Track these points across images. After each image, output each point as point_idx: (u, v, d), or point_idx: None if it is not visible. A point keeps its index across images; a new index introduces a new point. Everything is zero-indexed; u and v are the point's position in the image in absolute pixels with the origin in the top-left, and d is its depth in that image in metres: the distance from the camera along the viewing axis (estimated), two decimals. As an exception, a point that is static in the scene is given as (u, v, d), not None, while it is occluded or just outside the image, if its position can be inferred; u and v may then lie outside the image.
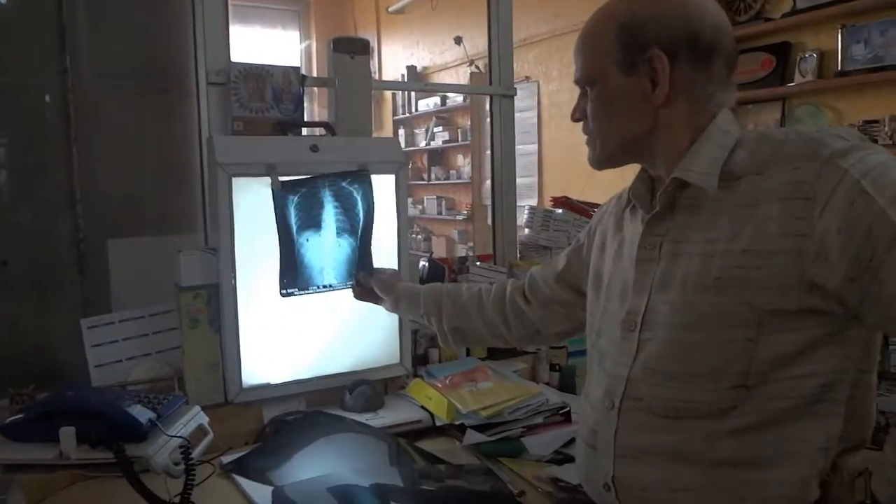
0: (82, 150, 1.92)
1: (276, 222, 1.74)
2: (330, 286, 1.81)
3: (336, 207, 1.82)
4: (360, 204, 1.85)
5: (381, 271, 1.74)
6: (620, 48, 1.04)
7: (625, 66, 1.04)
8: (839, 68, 2.66)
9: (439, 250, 6.26)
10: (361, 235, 1.85)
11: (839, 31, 2.64)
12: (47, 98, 1.91)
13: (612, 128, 1.09)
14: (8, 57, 1.88)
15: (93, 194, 1.93)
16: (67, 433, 1.19)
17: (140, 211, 2.04)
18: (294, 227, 1.76)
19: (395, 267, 1.93)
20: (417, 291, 1.60)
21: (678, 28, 1.01)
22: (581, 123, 1.15)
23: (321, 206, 1.80)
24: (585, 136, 1.15)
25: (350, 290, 1.81)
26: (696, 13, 1.02)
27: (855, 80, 2.60)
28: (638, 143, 1.08)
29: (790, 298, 0.93)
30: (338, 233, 1.83)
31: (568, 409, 1.90)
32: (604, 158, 1.13)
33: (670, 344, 1.01)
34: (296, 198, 1.77)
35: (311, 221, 1.79)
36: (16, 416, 1.29)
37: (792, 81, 2.77)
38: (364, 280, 1.73)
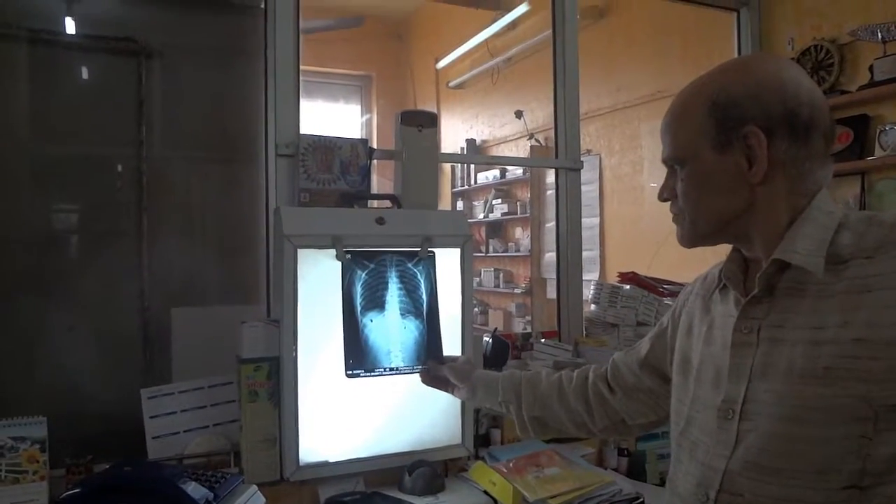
0: (152, 219, 1.94)
1: (343, 298, 1.71)
2: (397, 369, 1.75)
3: (400, 289, 1.78)
4: (422, 286, 1.81)
5: (453, 359, 1.67)
6: (714, 126, 0.99)
7: (718, 143, 0.99)
8: (922, 142, 2.55)
9: (496, 323, 6.16)
10: (427, 318, 1.80)
11: (920, 103, 2.54)
12: (120, 168, 1.95)
13: (705, 208, 1.03)
14: (87, 128, 1.94)
15: (159, 263, 1.95)
16: (123, 512, 1.14)
17: (204, 280, 2.05)
18: (359, 307, 1.72)
19: (459, 340, 1.88)
20: (495, 379, 1.52)
21: (775, 104, 0.96)
22: (669, 203, 1.09)
23: (385, 286, 1.77)
24: (673, 215, 1.09)
25: (415, 373, 1.74)
26: (793, 89, 0.97)
27: (940, 154, 2.49)
28: (733, 223, 1.02)
29: None
30: (402, 314, 1.78)
31: (642, 500, 1.78)
32: (696, 238, 1.07)
33: (774, 436, 0.93)
34: (363, 274, 1.74)
35: (376, 301, 1.75)
36: (73, 490, 1.26)
37: (872, 155, 2.66)
38: (436, 368, 1.66)
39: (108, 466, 1.47)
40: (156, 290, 1.94)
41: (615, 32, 4.61)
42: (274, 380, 1.72)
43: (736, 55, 3.17)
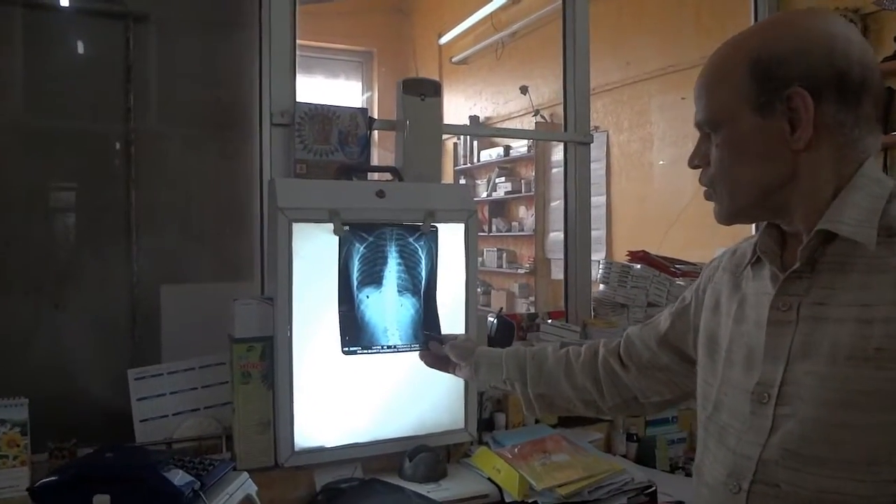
0: (141, 194, 1.85)
1: (339, 272, 1.62)
2: (394, 347, 1.67)
3: (399, 264, 1.70)
4: (423, 262, 1.73)
5: (453, 337, 1.59)
6: (755, 86, 0.90)
7: (759, 105, 0.90)
8: (952, 112, 2.44)
9: (499, 304, 6.09)
10: (425, 296, 1.72)
11: (949, 73, 2.43)
12: (108, 139, 1.85)
13: (744, 176, 0.94)
14: (71, 96, 1.85)
15: (149, 238, 1.86)
16: (101, 502, 1.06)
17: (196, 256, 1.95)
18: (355, 282, 1.64)
19: (463, 321, 1.80)
20: (498, 356, 1.44)
21: (823, 63, 0.87)
22: (699, 171, 1.00)
23: (384, 261, 1.68)
24: (704, 189, 1.00)
25: (413, 351, 1.66)
26: (843, 47, 0.88)
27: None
28: (775, 194, 0.93)
29: None
30: (399, 291, 1.70)
31: (654, 488, 1.70)
32: (734, 212, 0.98)
33: (817, 423, 0.85)
34: (361, 247, 1.65)
35: (373, 277, 1.67)
36: (47, 479, 1.18)
37: (887, 125, 2.55)
38: (436, 348, 1.57)
39: (90, 451, 1.39)
40: (145, 266, 1.85)
41: (624, 5, 4.48)
42: (268, 360, 1.64)
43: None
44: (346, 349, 1.63)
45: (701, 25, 3.75)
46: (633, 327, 1.32)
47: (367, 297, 1.66)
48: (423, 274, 1.73)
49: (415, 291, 1.72)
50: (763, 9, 3.03)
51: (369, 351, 1.65)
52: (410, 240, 1.72)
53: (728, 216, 0.98)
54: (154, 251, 1.88)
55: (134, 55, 1.86)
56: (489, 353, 1.47)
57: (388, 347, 1.67)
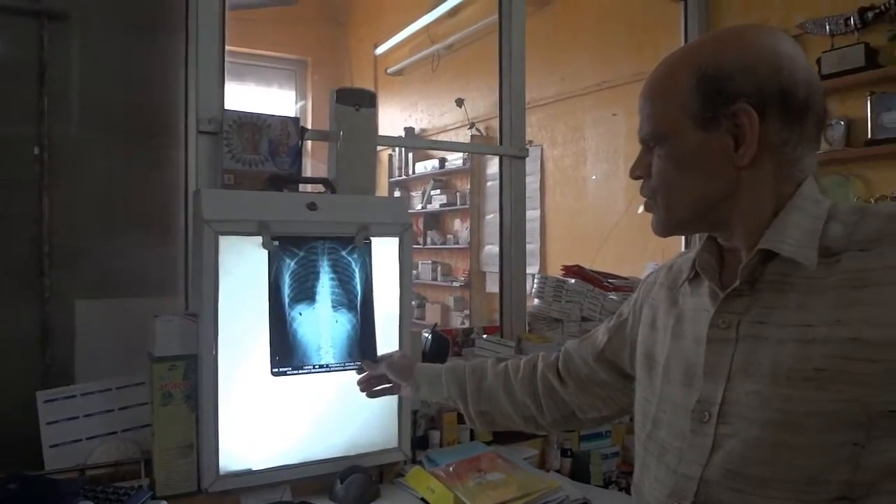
0: (55, 201, 1.74)
1: (269, 289, 1.56)
2: (327, 367, 1.61)
3: (332, 279, 1.64)
4: (357, 276, 1.67)
5: (389, 356, 1.55)
6: (700, 100, 0.89)
7: (704, 120, 0.89)
8: (869, 136, 2.54)
9: (433, 317, 6.05)
10: (361, 312, 1.66)
11: (867, 98, 2.53)
12: (17, 143, 1.74)
13: (684, 190, 0.93)
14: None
15: (63, 250, 1.74)
16: (-1, 541, 0.97)
17: (115, 270, 1.84)
18: (287, 299, 1.57)
19: (397, 336, 1.76)
20: (438, 373, 1.42)
21: (769, 81, 0.86)
22: (640, 182, 0.99)
23: (317, 276, 1.62)
24: (644, 201, 0.99)
25: (347, 370, 1.61)
26: (789, 65, 0.87)
27: (886, 149, 2.48)
28: (714, 209, 0.93)
29: None
30: (334, 307, 1.64)
31: (589, 506, 1.69)
32: (673, 224, 0.97)
33: (759, 443, 0.84)
34: (292, 262, 1.59)
35: (306, 293, 1.61)
36: (-59, 516, 1.07)
37: (819, 146, 2.63)
38: (372, 368, 1.53)
39: (-9, 482, 1.29)
40: (58, 280, 1.74)
41: (560, 20, 4.53)
42: (191, 380, 1.56)
43: (682, 44, 3.12)
44: (276, 370, 1.56)
45: (634, 43, 3.81)
46: (572, 342, 1.30)
47: (300, 314, 1.59)
48: (359, 289, 1.68)
49: (350, 307, 1.67)
50: (693, 28, 3.11)
51: (300, 371, 1.59)
52: (343, 253, 1.66)
53: (666, 228, 0.97)
54: (69, 264, 1.76)
55: (49, 55, 1.76)
56: (428, 370, 1.44)
57: (321, 367, 1.61)
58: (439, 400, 1.43)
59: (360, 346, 1.64)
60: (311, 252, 1.62)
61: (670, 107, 0.91)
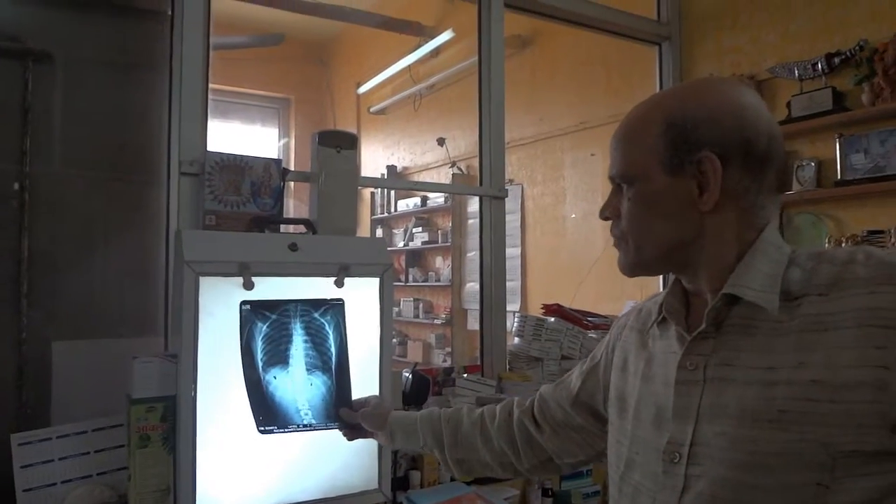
0: (35, 240, 1.74)
1: (242, 353, 1.54)
2: (311, 426, 1.59)
3: (306, 341, 1.63)
4: (330, 337, 1.66)
5: (364, 402, 1.54)
6: (668, 147, 0.93)
7: (671, 166, 0.93)
8: (838, 177, 2.61)
9: (415, 355, 6.03)
10: (337, 373, 1.65)
11: (836, 140, 2.60)
12: (10, 187, 1.74)
13: (651, 232, 0.97)
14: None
15: (42, 290, 1.74)
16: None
17: (95, 310, 1.84)
18: (260, 363, 1.56)
19: (377, 377, 1.75)
20: (413, 421, 1.41)
21: (733, 132, 0.91)
22: (609, 225, 1.02)
23: (289, 339, 1.61)
24: (614, 239, 1.02)
25: (330, 429, 1.60)
26: (752, 118, 0.92)
27: (855, 189, 2.55)
28: (679, 252, 0.96)
29: (869, 439, 0.80)
30: (308, 369, 1.63)
31: (569, 547, 1.68)
32: (638, 265, 1.00)
33: (727, 483, 0.86)
34: (264, 326, 1.58)
35: (279, 357, 1.59)
36: None
37: (790, 190, 2.70)
38: (348, 416, 1.53)
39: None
40: (36, 320, 1.73)
41: (539, 63, 4.62)
42: (169, 422, 1.54)
43: (657, 89, 3.20)
44: (263, 429, 1.54)
45: (610, 86, 3.90)
46: (546, 386, 1.31)
47: (275, 377, 1.58)
48: (333, 350, 1.67)
49: (325, 368, 1.65)
50: (667, 72, 3.19)
51: (286, 430, 1.57)
52: (316, 315, 1.65)
53: (632, 268, 1.00)
54: (47, 304, 1.76)
55: (33, 96, 1.77)
56: (403, 419, 1.43)
57: (305, 426, 1.60)
58: (415, 449, 1.43)
59: (336, 402, 1.63)
60: (283, 314, 1.61)
61: (640, 150, 0.95)
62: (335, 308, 1.66)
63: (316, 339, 1.62)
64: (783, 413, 0.83)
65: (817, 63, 2.70)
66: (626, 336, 1.13)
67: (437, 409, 1.44)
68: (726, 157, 0.90)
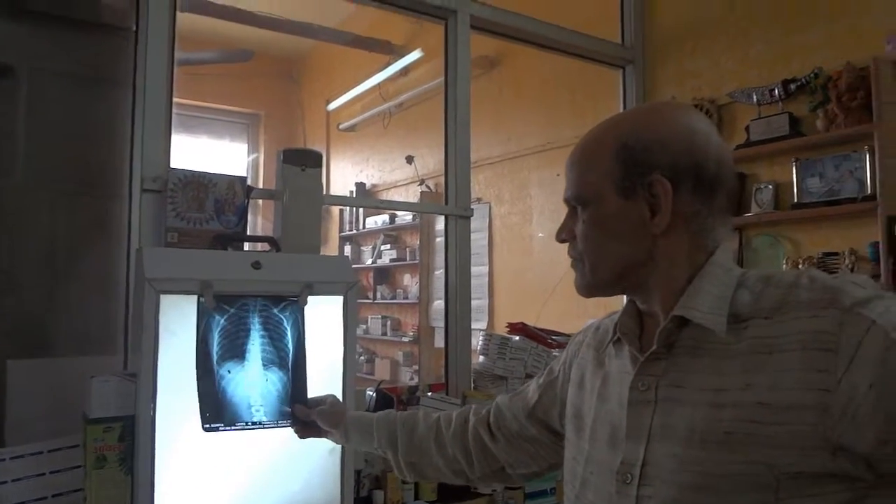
0: (-7, 257, 1.71)
1: (197, 346, 1.54)
2: (260, 423, 1.59)
3: (263, 337, 1.63)
4: (288, 334, 1.67)
5: (321, 401, 1.54)
6: (620, 169, 0.95)
7: (623, 188, 0.95)
8: (795, 200, 2.68)
9: (382, 373, 6.01)
10: (293, 370, 1.65)
11: (793, 164, 2.67)
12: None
13: (605, 253, 0.98)
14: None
15: (0, 305, 1.71)
16: None
17: (52, 328, 1.81)
18: (215, 356, 1.56)
19: (340, 395, 1.75)
20: (369, 421, 1.42)
21: (683, 155, 0.93)
22: (567, 245, 1.04)
23: (247, 333, 1.61)
24: (572, 260, 1.03)
25: (281, 427, 1.59)
26: (702, 142, 0.94)
27: (811, 212, 2.62)
28: (633, 273, 0.98)
29: (812, 461, 0.81)
30: (264, 365, 1.63)
31: (531, 566, 1.69)
32: (593, 285, 1.01)
33: None
34: (222, 320, 1.58)
35: (235, 351, 1.59)
36: None
37: (748, 211, 2.77)
38: (302, 413, 1.53)
39: None
40: (-9, 338, 1.70)
41: (505, 83, 4.68)
42: (127, 442, 1.52)
43: (621, 109, 3.26)
44: (208, 426, 1.53)
45: (576, 107, 3.96)
46: (503, 397, 1.32)
47: (229, 371, 1.58)
48: (290, 347, 1.67)
49: (281, 365, 1.66)
50: (631, 94, 3.25)
51: (233, 427, 1.57)
52: (275, 311, 1.66)
53: (587, 289, 1.01)
54: (4, 322, 1.73)
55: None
56: (360, 418, 1.44)
57: (254, 424, 1.59)
58: (369, 449, 1.43)
59: (292, 398, 1.63)
60: (241, 309, 1.61)
61: (594, 173, 0.97)
62: (294, 305, 1.66)
63: (274, 335, 1.63)
64: (729, 434, 0.84)
65: (774, 89, 2.78)
66: (583, 353, 1.14)
67: (394, 411, 1.45)
68: (677, 180, 0.92)
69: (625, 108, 3.27)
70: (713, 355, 0.89)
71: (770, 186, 2.75)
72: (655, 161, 0.92)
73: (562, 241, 1.04)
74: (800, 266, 2.62)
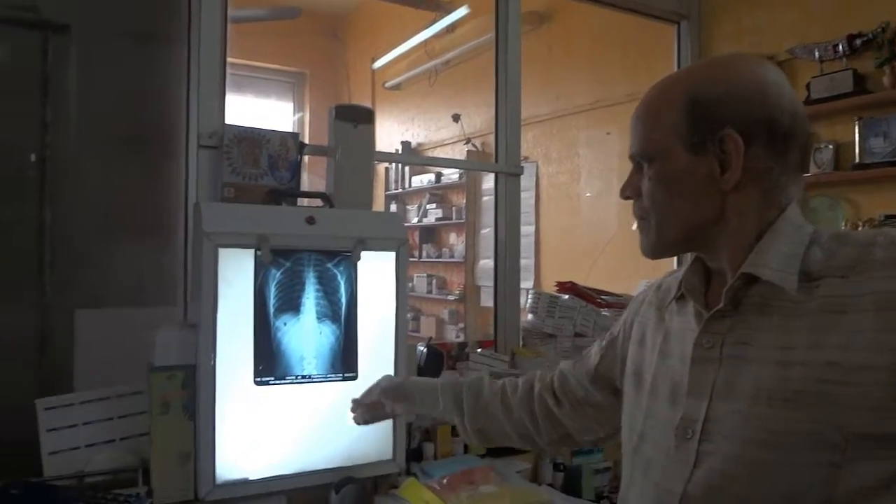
0: (57, 212, 1.76)
1: (254, 299, 1.58)
2: (309, 377, 1.63)
3: (318, 291, 1.67)
4: (342, 288, 1.70)
5: (376, 385, 1.44)
6: (689, 124, 0.92)
7: (692, 144, 0.92)
8: (857, 161, 2.59)
9: (428, 330, 6.07)
10: (345, 324, 1.68)
11: (856, 123, 2.58)
12: (21, 153, 1.76)
13: (673, 211, 0.96)
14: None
15: (64, 260, 1.77)
16: (2, 545, 0.99)
17: (116, 279, 1.87)
18: (272, 308, 1.60)
19: (392, 350, 1.78)
20: (434, 387, 1.39)
21: (756, 109, 0.90)
22: (632, 202, 1.02)
23: (303, 287, 1.65)
24: (637, 220, 1.01)
25: (329, 382, 1.62)
26: (776, 96, 0.91)
27: (874, 173, 2.53)
28: (702, 231, 0.95)
29: (883, 422, 0.80)
30: (318, 318, 1.67)
31: (579, 518, 1.72)
32: (662, 246, 1.00)
33: (739, 461, 0.87)
34: (278, 273, 1.62)
35: (291, 304, 1.63)
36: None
37: (807, 172, 2.68)
38: (366, 397, 1.44)
39: (-8, 488, 1.31)
40: (59, 289, 1.76)
41: (555, 40, 4.59)
42: (189, 389, 1.58)
43: (675, 68, 3.17)
44: (259, 380, 1.59)
45: (628, 64, 3.87)
46: (566, 363, 1.31)
47: (284, 324, 1.62)
48: (344, 301, 1.71)
49: (334, 318, 1.70)
50: (686, 50, 3.16)
51: (282, 381, 1.61)
52: (329, 265, 1.69)
53: (654, 249, 1.00)
54: (70, 273, 1.79)
55: (52, 66, 1.79)
56: (422, 384, 1.42)
57: (303, 377, 1.64)
58: (433, 413, 1.40)
59: (343, 358, 1.67)
60: (297, 263, 1.64)
61: (661, 128, 0.94)
62: (347, 260, 1.68)
63: (328, 289, 1.67)
64: (798, 393, 0.83)
65: (838, 44, 2.67)
66: (644, 311, 1.14)
67: (457, 376, 1.44)
68: (749, 134, 0.89)
69: (679, 65, 3.19)
70: (782, 313, 0.88)
71: (830, 146, 2.67)
72: (726, 115, 0.90)
73: (626, 197, 1.02)
74: (859, 228, 2.55)
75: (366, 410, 1.44)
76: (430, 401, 1.38)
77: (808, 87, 2.74)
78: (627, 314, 1.20)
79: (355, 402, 1.45)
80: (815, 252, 0.89)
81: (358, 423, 1.45)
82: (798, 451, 0.83)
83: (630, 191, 1.00)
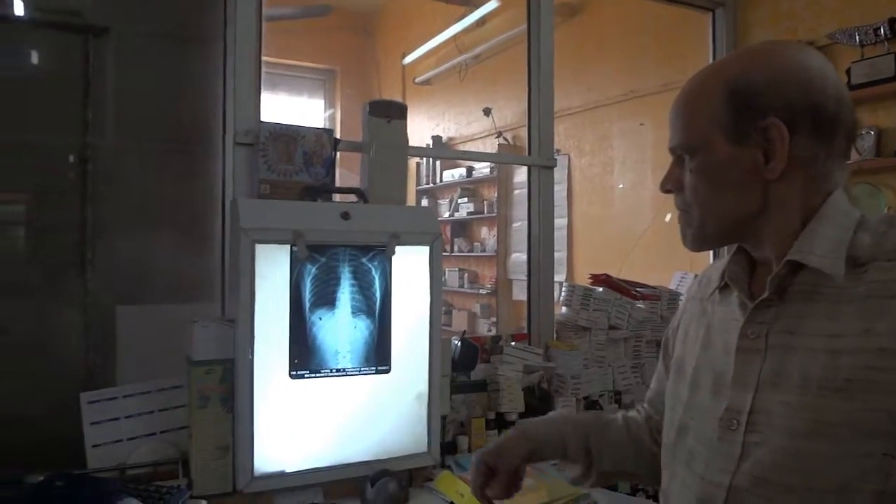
0: (98, 210, 1.80)
1: (290, 294, 1.60)
2: (344, 371, 1.65)
3: (353, 285, 1.68)
4: (376, 283, 1.71)
5: (497, 454, 1.18)
6: (731, 114, 0.90)
7: (734, 134, 0.90)
8: (900, 147, 2.53)
9: (460, 324, 6.08)
10: (379, 318, 1.70)
11: (899, 108, 2.52)
12: (64, 154, 1.80)
13: (716, 204, 0.94)
14: (28, 110, 1.79)
15: (105, 257, 1.81)
16: (51, 534, 1.02)
17: (154, 276, 1.91)
18: (307, 303, 1.62)
19: (427, 344, 1.77)
20: (561, 437, 1.18)
21: (800, 97, 0.88)
22: (673, 196, 1.00)
23: (338, 282, 1.66)
24: (678, 213, 1.00)
25: (363, 375, 1.63)
26: (819, 81, 0.89)
27: (917, 160, 2.47)
28: (745, 224, 0.94)
29: None
30: (353, 313, 1.68)
31: (616, 513, 1.70)
32: (705, 238, 0.98)
33: (788, 452, 0.85)
34: (313, 268, 1.63)
35: (326, 298, 1.65)
36: (-5, 509, 1.13)
37: (848, 159, 2.63)
38: (500, 464, 1.17)
39: (39, 479, 1.34)
40: (101, 286, 1.80)
41: (587, 31, 4.55)
42: (227, 383, 1.60)
43: (711, 57, 3.12)
44: (294, 373, 1.61)
45: (661, 54, 3.82)
46: (649, 402, 1.23)
47: (320, 318, 1.64)
48: (378, 295, 1.72)
49: (369, 313, 1.71)
50: (721, 39, 3.11)
51: (317, 375, 1.63)
52: (364, 260, 1.70)
53: (697, 242, 0.98)
54: (110, 270, 1.83)
55: (94, 69, 1.83)
56: (544, 432, 1.20)
57: (338, 371, 1.65)
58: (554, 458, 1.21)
59: (377, 352, 1.68)
60: (332, 258, 1.66)
61: (702, 119, 0.93)
62: (382, 255, 1.69)
63: (363, 284, 1.68)
64: (849, 382, 0.81)
65: (880, 28, 2.60)
66: (689, 308, 1.12)
67: (576, 415, 1.30)
68: (793, 122, 0.87)
69: (714, 54, 3.13)
70: (829, 300, 0.86)
71: (872, 132, 2.60)
72: (769, 104, 0.88)
73: (667, 191, 1.00)
74: (902, 216, 2.49)
75: (503, 487, 1.18)
76: (553, 449, 1.19)
77: (848, 72, 2.67)
78: (677, 314, 1.18)
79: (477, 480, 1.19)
80: (863, 237, 0.87)
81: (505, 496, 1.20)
82: (850, 442, 0.81)
83: (671, 184, 0.99)
